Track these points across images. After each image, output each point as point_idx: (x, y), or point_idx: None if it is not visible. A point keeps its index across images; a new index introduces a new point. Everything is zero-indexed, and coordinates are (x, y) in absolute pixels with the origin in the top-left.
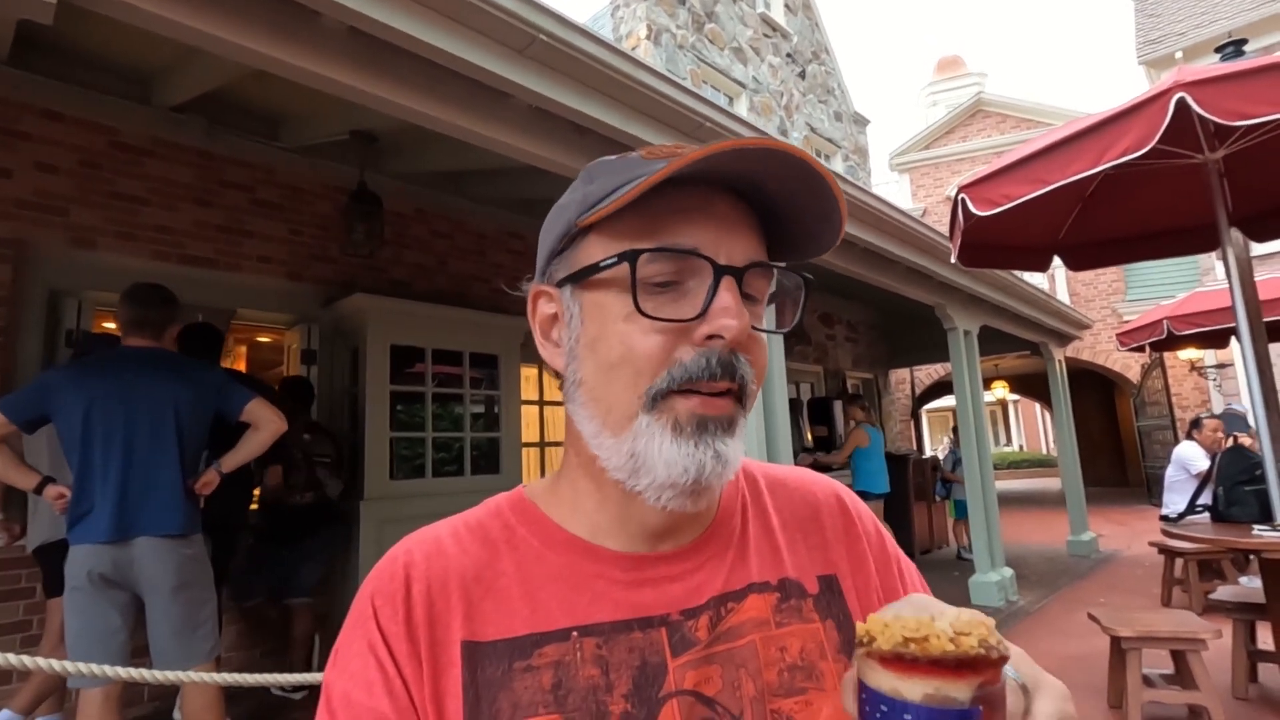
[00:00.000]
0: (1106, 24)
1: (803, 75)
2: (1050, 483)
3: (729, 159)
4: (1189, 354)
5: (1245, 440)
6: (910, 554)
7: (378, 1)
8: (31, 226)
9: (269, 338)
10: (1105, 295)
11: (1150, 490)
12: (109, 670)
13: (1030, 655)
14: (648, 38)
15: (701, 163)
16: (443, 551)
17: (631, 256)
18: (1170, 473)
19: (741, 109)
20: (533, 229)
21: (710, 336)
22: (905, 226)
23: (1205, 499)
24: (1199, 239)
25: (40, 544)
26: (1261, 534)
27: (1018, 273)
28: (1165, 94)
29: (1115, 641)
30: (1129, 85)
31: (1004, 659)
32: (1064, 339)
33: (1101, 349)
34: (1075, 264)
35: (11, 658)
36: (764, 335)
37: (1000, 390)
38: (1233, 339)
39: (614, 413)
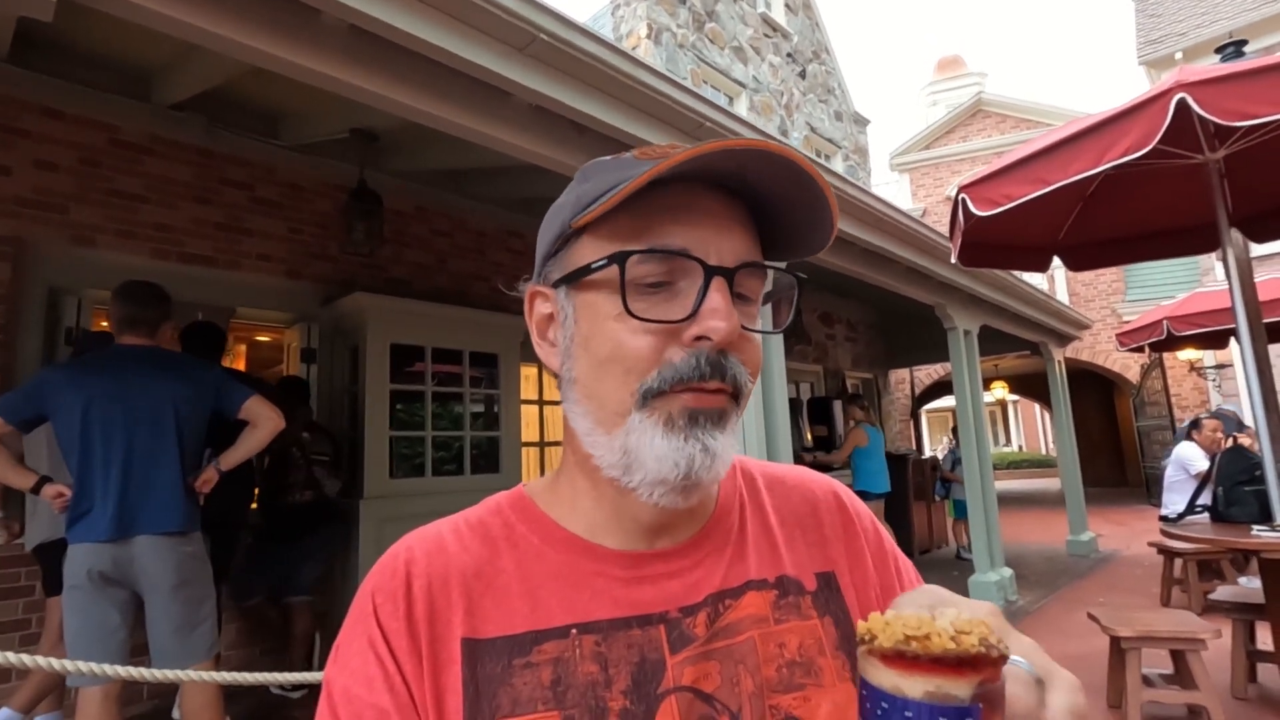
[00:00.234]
0: (1106, 24)
1: (803, 75)
2: (1050, 483)
3: (719, 159)
4: (1188, 354)
5: (1245, 440)
6: (910, 554)
7: None
8: (31, 224)
9: (268, 336)
10: (1105, 295)
11: (1149, 490)
12: (108, 669)
13: None
14: (648, 37)
15: (690, 163)
16: (443, 549)
17: (621, 258)
18: (1169, 473)
19: (741, 109)
20: (533, 228)
21: (699, 338)
22: (905, 226)
23: (1205, 499)
24: (1199, 239)
25: (40, 542)
26: (1261, 534)
27: (1017, 273)
28: (1166, 94)
29: (1115, 641)
30: (1129, 85)
31: (1004, 657)
32: (1064, 339)
33: (1101, 349)
34: (1075, 264)
35: (11, 656)
36: (757, 335)
37: (1000, 390)
38: (1232, 340)
39: (607, 409)
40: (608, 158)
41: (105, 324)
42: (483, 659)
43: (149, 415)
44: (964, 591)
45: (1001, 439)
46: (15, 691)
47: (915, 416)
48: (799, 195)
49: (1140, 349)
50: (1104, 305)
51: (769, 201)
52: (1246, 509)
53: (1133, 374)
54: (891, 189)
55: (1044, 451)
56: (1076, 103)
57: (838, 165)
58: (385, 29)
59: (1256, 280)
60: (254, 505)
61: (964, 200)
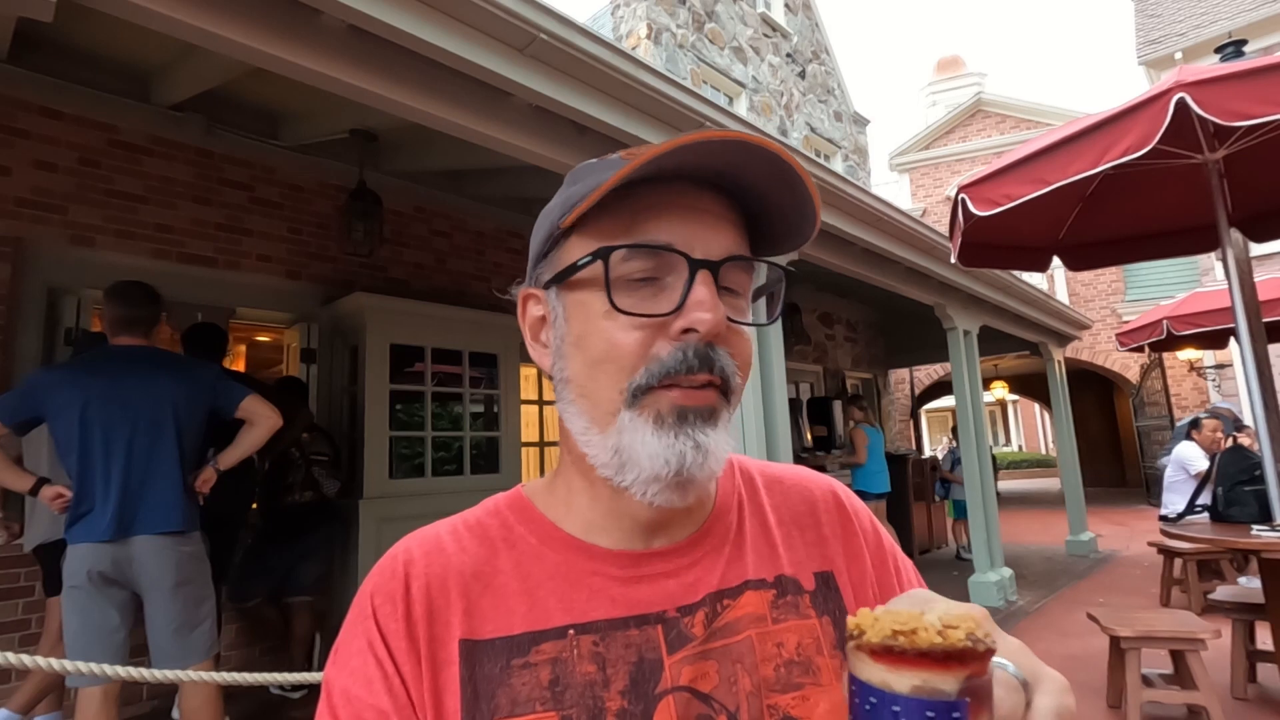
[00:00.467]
0: (1106, 24)
1: (803, 75)
2: (1049, 483)
3: (697, 154)
4: (1188, 354)
5: (1244, 440)
6: (910, 554)
7: None
8: (30, 224)
9: (268, 337)
10: (1105, 295)
11: (1149, 490)
12: (108, 669)
13: None
14: (648, 37)
15: (668, 158)
16: (442, 550)
17: (605, 253)
18: (1169, 473)
19: (741, 109)
20: (531, 228)
21: (686, 330)
22: (905, 226)
23: (1204, 499)
24: (1198, 239)
25: (39, 543)
26: (1260, 534)
27: (1017, 273)
28: (1165, 94)
29: (1114, 641)
30: (1129, 85)
31: (991, 652)
32: (1063, 339)
33: (1101, 349)
34: (1075, 264)
35: (10, 656)
36: (747, 329)
37: (999, 390)
38: (1232, 339)
39: (599, 408)
40: (595, 160)
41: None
42: (481, 660)
43: (147, 415)
44: (964, 592)
45: (1001, 439)
46: (14, 692)
47: (915, 416)
48: (780, 186)
49: (1140, 349)
50: (1104, 305)
51: (753, 196)
52: (1246, 509)
53: (1132, 374)
54: (891, 189)
55: (1044, 451)
56: (1076, 103)
57: (837, 165)
58: (385, 29)
59: (1256, 280)
60: (254, 506)
61: (963, 200)
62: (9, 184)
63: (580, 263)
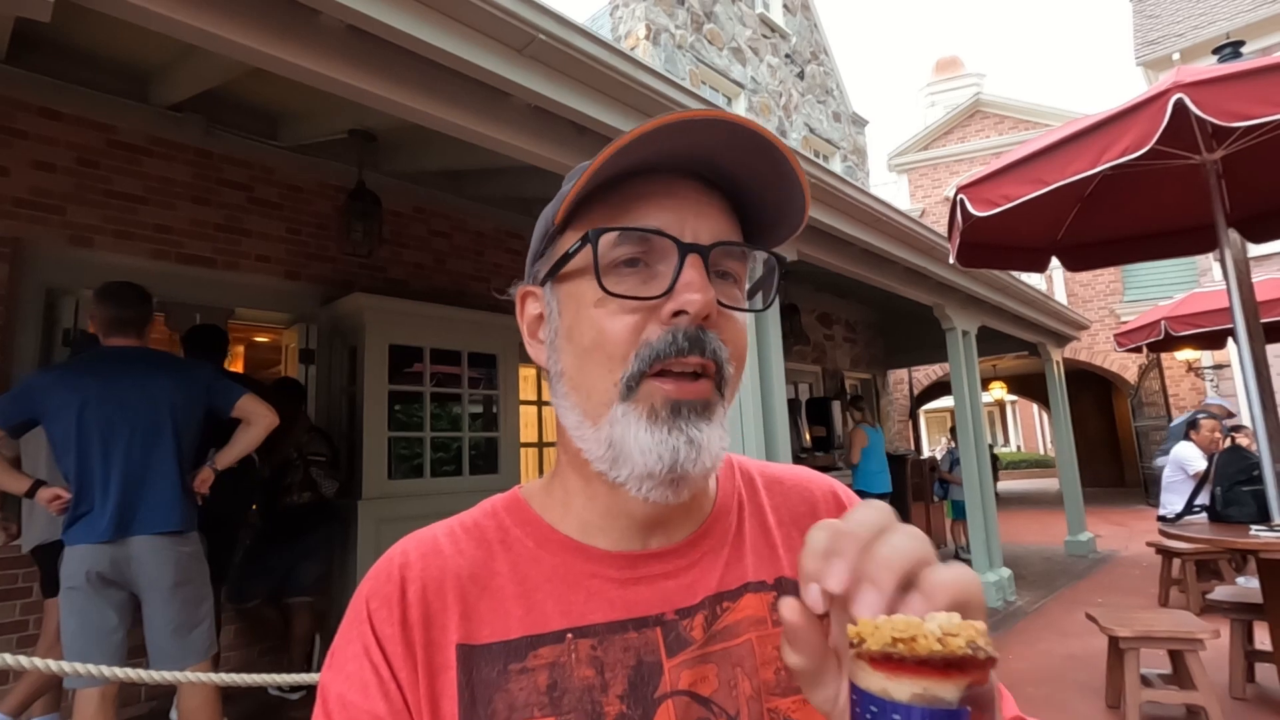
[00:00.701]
0: (1105, 25)
1: (801, 76)
2: (1048, 483)
3: (681, 133)
4: (1186, 355)
5: (1242, 440)
6: None
7: None
8: (29, 225)
9: (267, 337)
10: (1103, 296)
11: (1147, 490)
12: (106, 670)
13: (1028, 655)
14: (646, 38)
15: (651, 139)
16: (438, 552)
17: (594, 235)
18: (1167, 473)
19: (740, 109)
20: (531, 229)
21: (677, 314)
22: (903, 227)
23: (1203, 499)
24: (1197, 240)
25: (37, 544)
26: (1259, 534)
27: (1016, 273)
28: (1163, 95)
29: (1113, 641)
30: (1127, 86)
31: (992, 660)
32: (1062, 340)
33: (1099, 349)
34: (1073, 265)
35: (9, 658)
36: (741, 316)
37: (998, 391)
38: (1230, 340)
39: (592, 400)
40: (589, 161)
41: None
42: (478, 664)
43: (144, 415)
44: None
45: (1000, 439)
46: (5, 695)
47: (914, 417)
48: (767, 171)
49: (1138, 349)
50: (1102, 306)
51: (743, 187)
52: (1244, 509)
53: (1131, 374)
54: (890, 189)
55: (1042, 452)
56: (1074, 103)
57: (836, 166)
58: (384, 29)
59: (1254, 280)
60: (254, 507)
61: (962, 201)
62: (7, 184)
63: (571, 250)
